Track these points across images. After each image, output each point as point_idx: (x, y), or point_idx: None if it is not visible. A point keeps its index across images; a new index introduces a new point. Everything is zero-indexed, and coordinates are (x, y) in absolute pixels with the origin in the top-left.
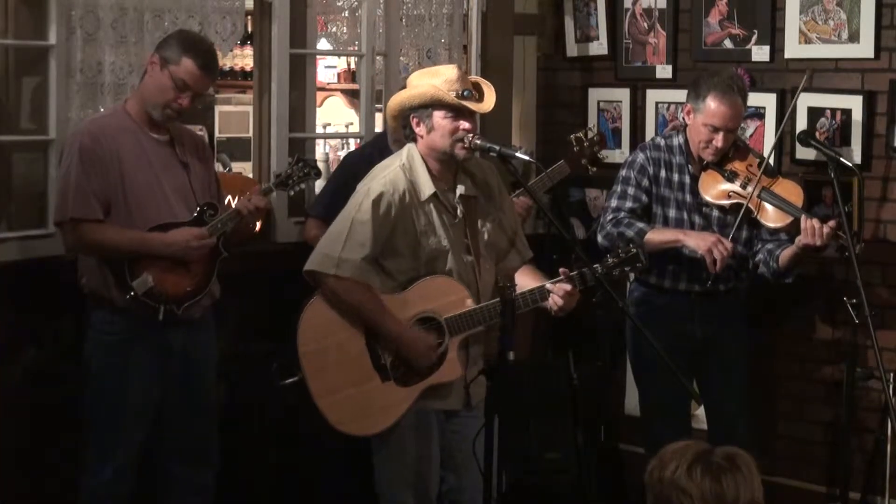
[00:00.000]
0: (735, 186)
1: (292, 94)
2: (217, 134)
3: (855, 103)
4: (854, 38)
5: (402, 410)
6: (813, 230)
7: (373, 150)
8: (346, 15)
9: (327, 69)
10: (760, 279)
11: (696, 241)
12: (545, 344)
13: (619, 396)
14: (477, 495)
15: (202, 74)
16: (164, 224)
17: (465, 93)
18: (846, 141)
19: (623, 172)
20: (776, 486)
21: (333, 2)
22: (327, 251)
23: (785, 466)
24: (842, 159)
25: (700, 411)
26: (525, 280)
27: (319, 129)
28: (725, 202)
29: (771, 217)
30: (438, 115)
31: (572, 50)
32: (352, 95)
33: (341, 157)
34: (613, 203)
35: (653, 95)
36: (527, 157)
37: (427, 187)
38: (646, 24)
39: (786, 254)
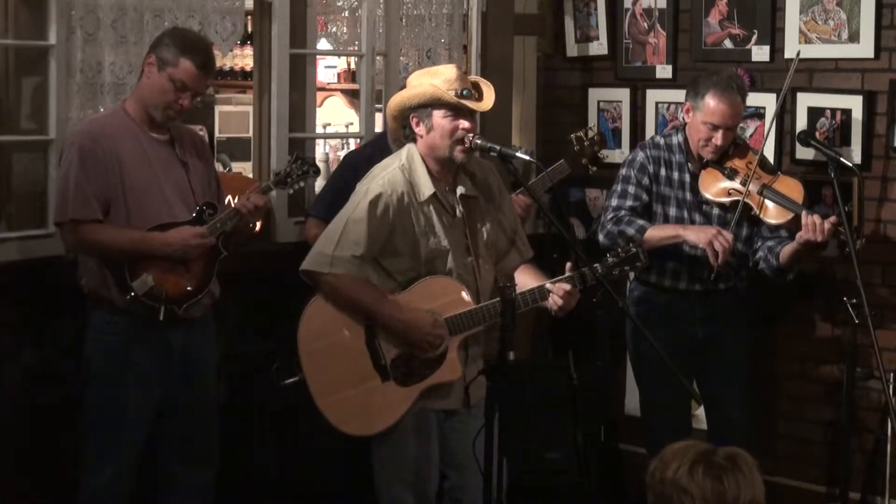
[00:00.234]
0: (735, 184)
1: (292, 94)
2: (217, 134)
3: (855, 103)
4: (854, 38)
5: (402, 411)
6: (814, 226)
7: (373, 150)
8: (346, 15)
9: (327, 69)
10: (761, 278)
11: (697, 235)
12: (545, 344)
13: (619, 396)
14: (478, 494)
15: (201, 74)
16: (163, 224)
17: (465, 92)
18: (846, 141)
19: (623, 171)
20: (776, 486)
21: (333, 2)
22: (321, 249)
23: (785, 466)
24: (842, 159)
25: (700, 411)
26: (525, 279)
27: (319, 129)
28: (725, 200)
29: (772, 214)
30: (438, 115)
31: (572, 50)
32: (352, 95)
33: (341, 157)
34: (614, 202)
35: (653, 95)
36: (527, 157)
37: (426, 188)
38: (646, 24)
39: (786, 250)
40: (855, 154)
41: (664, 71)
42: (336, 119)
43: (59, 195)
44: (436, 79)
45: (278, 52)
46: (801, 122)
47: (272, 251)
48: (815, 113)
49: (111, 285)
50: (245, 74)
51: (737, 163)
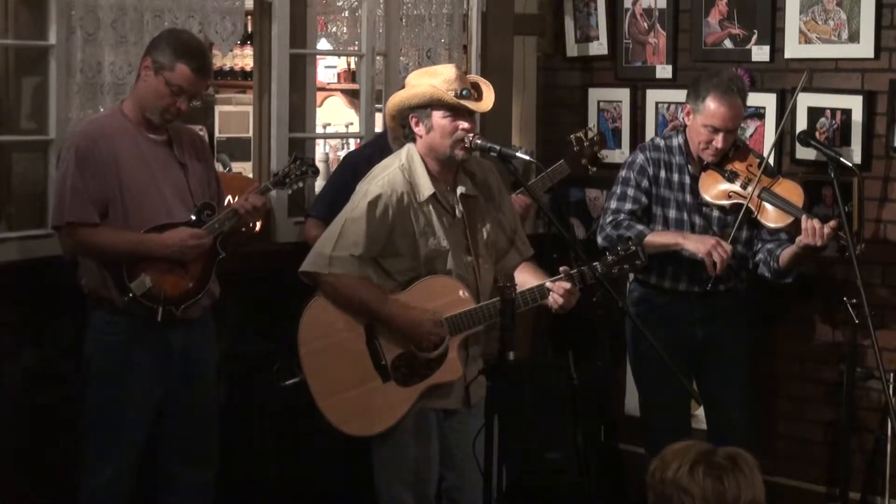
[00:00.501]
0: (735, 187)
1: (292, 94)
2: (217, 134)
3: (855, 103)
4: (854, 38)
5: (402, 411)
6: (813, 230)
7: (373, 150)
8: (346, 15)
9: (327, 69)
10: (760, 279)
11: (696, 245)
12: (545, 343)
13: (619, 396)
14: (477, 494)
15: (197, 78)
16: (161, 225)
17: (464, 92)
18: (846, 141)
19: (623, 173)
20: (776, 486)
21: (333, 2)
22: (320, 250)
23: (785, 466)
24: (842, 159)
25: (700, 411)
26: (525, 278)
27: (319, 129)
28: (725, 202)
29: (771, 217)
30: (437, 115)
31: (572, 50)
32: (352, 95)
33: (341, 157)
34: (613, 204)
35: (653, 95)
36: (527, 157)
37: (426, 188)
38: (646, 24)
39: (786, 254)
40: (855, 154)
41: (664, 71)
42: (336, 119)
43: (56, 198)
44: (435, 79)
45: (278, 52)
46: (802, 123)
47: (272, 251)
48: (815, 113)
49: (111, 286)
50: (245, 74)
51: (737, 165)
